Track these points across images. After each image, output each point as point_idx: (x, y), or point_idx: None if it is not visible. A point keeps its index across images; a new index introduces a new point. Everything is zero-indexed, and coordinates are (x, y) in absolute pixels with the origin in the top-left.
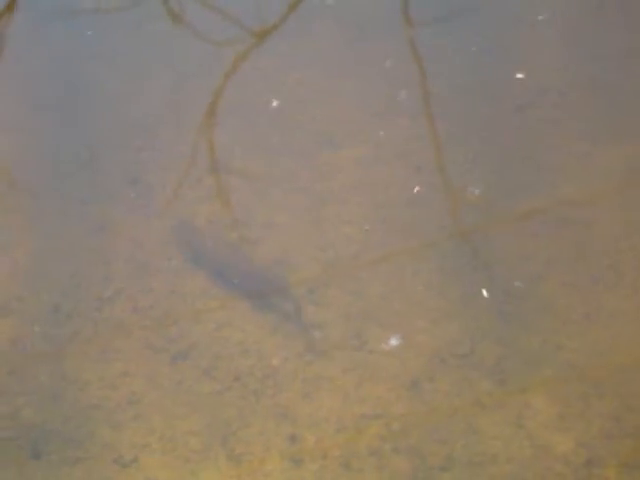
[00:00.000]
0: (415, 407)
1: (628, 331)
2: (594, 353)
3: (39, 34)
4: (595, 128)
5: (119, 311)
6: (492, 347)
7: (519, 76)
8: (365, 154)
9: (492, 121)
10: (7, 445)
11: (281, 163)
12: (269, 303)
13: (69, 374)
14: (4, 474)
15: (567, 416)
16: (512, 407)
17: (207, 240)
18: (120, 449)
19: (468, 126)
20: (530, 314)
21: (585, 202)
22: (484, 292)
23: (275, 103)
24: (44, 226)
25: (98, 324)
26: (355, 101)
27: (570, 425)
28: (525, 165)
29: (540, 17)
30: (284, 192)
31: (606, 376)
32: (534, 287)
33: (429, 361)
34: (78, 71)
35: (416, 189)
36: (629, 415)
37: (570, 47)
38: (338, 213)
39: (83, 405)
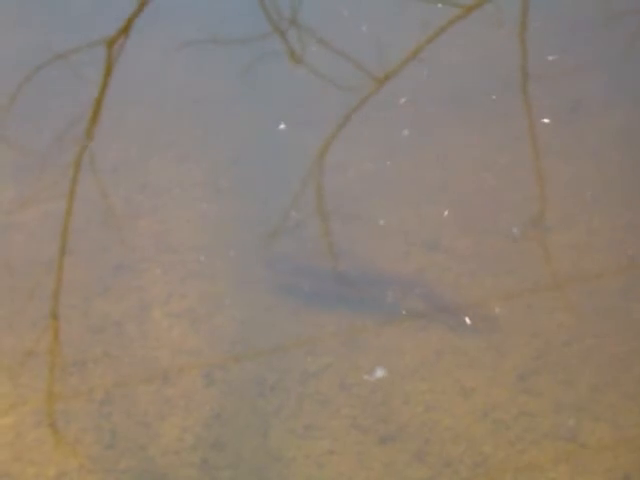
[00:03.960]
0: None
1: None
2: None
3: (147, 65)
4: None
5: (325, 387)
6: None
7: None
8: (577, 240)
9: None
10: None
11: (488, 243)
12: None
13: (273, 450)
14: None
15: None
16: None
17: None
18: None
19: None
20: None
21: None
22: None
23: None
24: (249, 295)
25: (303, 399)
26: (567, 183)
27: None
28: None
29: None
30: (495, 275)
31: None
32: None
33: None
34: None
35: (629, 279)
36: None
37: None
38: (548, 300)
39: None
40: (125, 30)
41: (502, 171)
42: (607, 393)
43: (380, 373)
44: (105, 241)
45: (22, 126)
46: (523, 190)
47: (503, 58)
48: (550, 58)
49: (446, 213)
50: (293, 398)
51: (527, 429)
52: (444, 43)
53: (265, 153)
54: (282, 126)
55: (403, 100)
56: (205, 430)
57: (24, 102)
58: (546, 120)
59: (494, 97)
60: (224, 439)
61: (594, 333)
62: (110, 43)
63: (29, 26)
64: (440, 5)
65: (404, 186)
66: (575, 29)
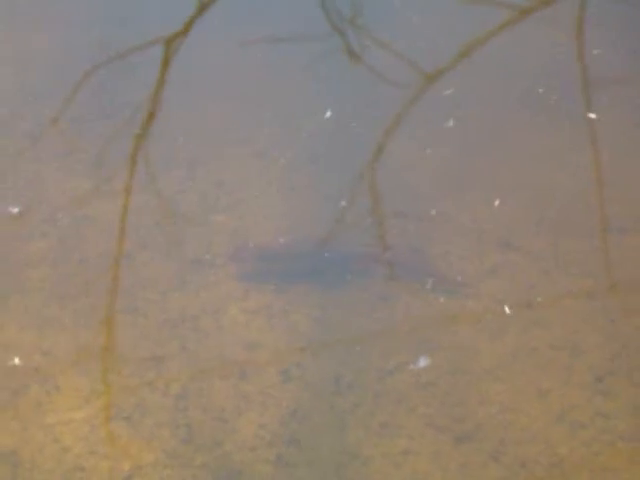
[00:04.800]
0: None
1: None
2: None
3: (209, 62)
4: None
5: (401, 385)
6: None
7: None
8: None
9: None
10: None
11: (567, 244)
12: None
13: (351, 448)
14: None
15: None
16: None
17: None
18: None
19: None
20: None
21: None
22: None
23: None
24: (326, 291)
25: (379, 397)
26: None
27: None
28: None
29: None
30: (570, 276)
31: None
32: None
33: None
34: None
35: None
36: None
37: None
38: (625, 302)
39: None
40: (187, 27)
41: (575, 171)
42: None
43: (455, 372)
44: (181, 236)
45: (91, 121)
46: (597, 191)
47: (563, 58)
48: (610, 57)
49: (521, 212)
50: (370, 396)
51: (603, 430)
52: (499, 42)
53: (336, 149)
54: (352, 123)
55: (467, 99)
56: (281, 427)
57: (87, 97)
58: (592, 115)
59: (562, 97)
60: (300, 436)
61: None
62: (169, 41)
63: (88, 23)
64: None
65: (476, 183)
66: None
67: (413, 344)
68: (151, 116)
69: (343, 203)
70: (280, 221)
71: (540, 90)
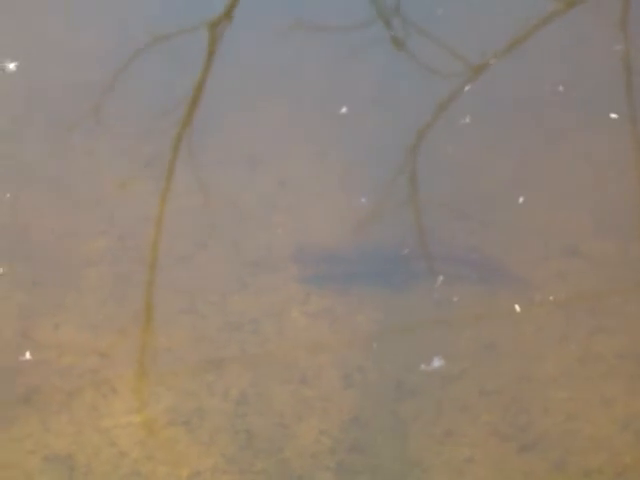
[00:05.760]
0: None
1: None
2: None
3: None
4: None
5: (464, 393)
6: None
7: None
8: None
9: None
10: None
11: (631, 249)
12: None
13: (412, 455)
14: None
15: None
16: None
17: None
18: None
19: None
20: None
21: None
22: None
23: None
24: (385, 294)
25: (442, 404)
26: None
27: None
28: None
29: None
30: (636, 281)
31: None
32: None
33: None
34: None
35: None
36: None
37: None
38: None
39: None
40: (229, 13)
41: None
42: None
43: (520, 379)
44: (242, 237)
45: (146, 117)
46: None
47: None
48: None
49: (581, 216)
50: (432, 403)
51: None
52: (543, 35)
53: (397, 148)
54: (407, 119)
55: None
56: (342, 433)
57: (142, 93)
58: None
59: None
60: (362, 443)
61: None
62: (212, 27)
63: (130, 9)
64: None
65: (540, 187)
66: None
67: (477, 350)
68: (202, 111)
69: (404, 205)
70: (342, 222)
71: (581, 89)
